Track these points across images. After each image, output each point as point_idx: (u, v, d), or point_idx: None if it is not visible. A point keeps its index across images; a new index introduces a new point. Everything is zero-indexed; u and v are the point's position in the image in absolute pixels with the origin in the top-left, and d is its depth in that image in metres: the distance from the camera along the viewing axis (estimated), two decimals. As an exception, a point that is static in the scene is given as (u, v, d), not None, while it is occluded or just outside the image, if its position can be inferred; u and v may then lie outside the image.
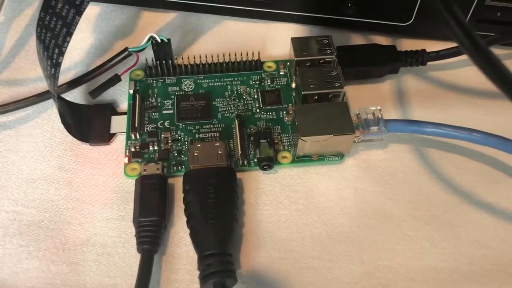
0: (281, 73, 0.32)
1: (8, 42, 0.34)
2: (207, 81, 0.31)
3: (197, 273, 0.23)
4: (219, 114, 0.30)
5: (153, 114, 0.29)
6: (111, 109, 0.30)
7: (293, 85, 0.31)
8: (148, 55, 0.31)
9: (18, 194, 0.27)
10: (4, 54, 0.33)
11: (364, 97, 0.31)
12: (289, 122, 0.29)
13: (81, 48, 0.33)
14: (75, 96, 0.31)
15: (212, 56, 0.31)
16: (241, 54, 0.31)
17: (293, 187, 0.27)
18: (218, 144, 0.27)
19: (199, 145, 0.27)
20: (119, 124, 0.29)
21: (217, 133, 0.29)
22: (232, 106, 0.30)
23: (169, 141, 0.28)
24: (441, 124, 0.27)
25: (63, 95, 0.30)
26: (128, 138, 0.28)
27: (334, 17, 0.33)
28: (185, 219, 0.25)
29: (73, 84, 0.30)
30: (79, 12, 0.24)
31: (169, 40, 0.30)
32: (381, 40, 0.34)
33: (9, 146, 0.29)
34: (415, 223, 0.26)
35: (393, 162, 0.28)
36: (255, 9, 0.34)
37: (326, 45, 0.30)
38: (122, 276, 0.24)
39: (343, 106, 0.27)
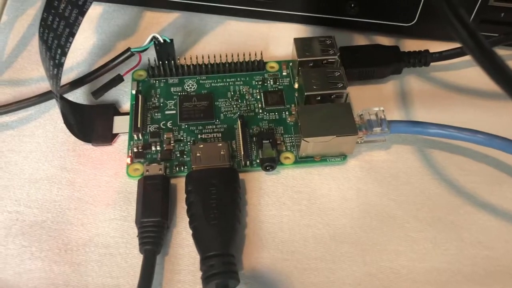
0: (284, 73, 0.31)
1: (10, 42, 0.34)
2: (210, 81, 0.31)
3: (200, 274, 0.23)
4: (221, 114, 0.30)
5: (156, 114, 0.29)
6: (113, 109, 0.30)
7: (296, 85, 0.31)
8: (151, 55, 0.31)
9: (20, 195, 0.27)
10: (7, 54, 0.33)
11: (367, 98, 0.31)
12: (292, 123, 0.29)
13: (83, 48, 0.33)
14: (78, 96, 0.31)
15: (214, 57, 0.31)
16: (244, 55, 0.31)
17: (296, 188, 0.27)
18: (220, 144, 0.27)
19: (202, 146, 0.27)
20: (121, 124, 0.29)
21: (220, 134, 0.29)
22: (234, 106, 0.30)
23: (172, 142, 0.28)
24: (444, 125, 0.27)
25: (66, 95, 0.30)
26: (131, 138, 0.28)
27: (337, 17, 0.33)
28: (187, 219, 0.25)
29: (75, 84, 0.30)
30: (82, 13, 0.24)
31: (171, 40, 0.30)
32: (384, 40, 0.34)
33: (11, 146, 0.29)
34: (418, 224, 0.26)
35: (396, 163, 0.28)
36: (258, 9, 0.34)
37: (329, 46, 0.30)
38: (125, 276, 0.24)
39: (346, 106, 0.27)
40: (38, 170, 0.28)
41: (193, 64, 0.31)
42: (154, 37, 0.30)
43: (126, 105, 0.30)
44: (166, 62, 0.30)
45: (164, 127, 0.29)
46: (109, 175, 0.28)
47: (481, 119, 0.30)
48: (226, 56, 0.31)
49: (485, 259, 0.25)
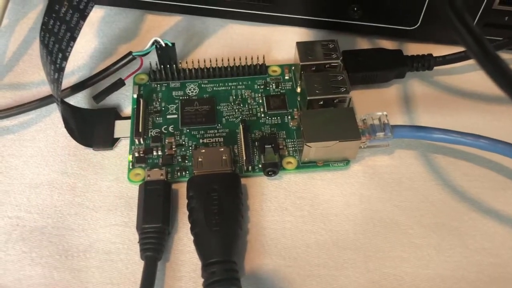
0: (286, 77, 0.31)
1: (11, 45, 0.33)
2: (212, 85, 0.31)
3: (201, 281, 0.23)
4: (223, 118, 0.29)
5: (157, 118, 0.29)
6: (114, 113, 0.30)
7: (298, 89, 0.31)
8: (152, 59, 0.30)
9: (21, 200, 0.27)
10: (8, 57, 0.33)
11: (370, 102, 0.31)
12: (294, 127, 0.29)
13: (84, 52, 0.33)
14: (79, 100, 0.30)
15: (216, 60, 0.31)
16: (246, 58, 0.31)
17: (298, 193, 0.27)
18: (222, 149, 0.27)
19: (203, 151, 0.27)
20: (123, 128, 0.29)
21: (222, 138, 0.29)
22: (236, 110, 0.30)
23: (173, 146, 0.28)
24: (448, 130, 0.27)
25: (67, 99, 0.30)
26: (132, 143, 0.28)
27: (340, 21, 0.33)
28: (189, 225, 0.25)
29: (76, 88, 0.30)
30: (83, 17, 0.24)
31: (173, 44, 0.30)
32: (387, 44, 0.33)
33: (12, 151, 0.28)
34: (422, 231, 0.26)
35: (400, 168, 0.28)
36: (260, 13, 0.33)
37: (331, 50, 0.29)
38: (125, 283, 0.24)
39: (349, 111, 0.27)
40: (39, 175, 0.27)
41: (194, 68, 0.31)
42: (155, 41, 0.30)
43: (127, 109, 0.30)
44: (168, 66, 0.30)
45: (165, 131, 0.29)
46: (110, 180, 0.27)
47: (484, 123, 0.30)
48: (228, 60, 0.31)
49: (489, 266, 0.25)
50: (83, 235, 0.26)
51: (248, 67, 0.31)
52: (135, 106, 0.29)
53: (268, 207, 0.27)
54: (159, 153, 0.28)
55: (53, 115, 0.30)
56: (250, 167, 0.27)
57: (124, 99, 0.31)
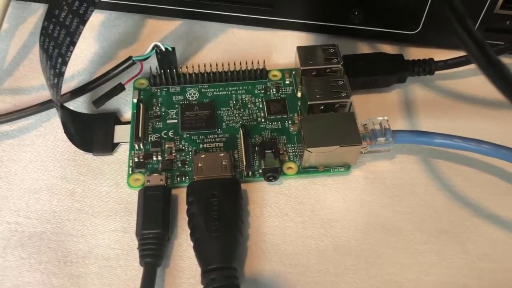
0: (287, 82, 0.31)
1: (11, 49, 0.33)
2: (212, 90, 0.31)
3: (201, 287, 0.23)
4: (223, 123, 0.29)
5: (157, 123, 0.29)
6: (114, 118, 0.29)
7: (299, 94, 0.30)
8: (153, 63, 0.30)
9: (20, 205, 0.26)
10: (8, 62, 0.33)
11: (371, 107, 0.30)
12: (295, 132, 0.29)
13: (84, 56, 0.33)
14: (78, 105, 0.30)
15: (216, 65, 0.31)
16: (246, 63, 0.31)
17: (299, 198, 0.27)
18: (222, 154, 0.27)
19: (203, 156, 0.27)
20: (122, 133, 0.29)
21: (222, 143, 0.28)
22: (237, 115, 0.30)
23: (173, 151, 0.28)
24: (449, 135, 0.27)
25: (66, 104, 0.30)
26: (132, 148, 0.28)
27: (341, 25, 0.33)
28: (189, 231, 0.25)
29: (76, 93, 0.30)
30: (83, 22, 0.24)
31: (173, 48, 0.30)
32: (388, 48, 0.33)
33: (11, 156, 0.28)
34: (423, 237, 0.26)
35: (401, 173, 0.28)
36: (261, 17, 0.33)
37: (332, 54, 0.29)
38: (125, 289, 0.24)
39: (350, 116, 0.27)
40: (38, 180, 0.27)
41: (195, 73, 0.31)
42: (155, 46, 0.30)
43: (127, 114, 0.30)
44: (168, 70, 0.30)
45: (165, 136, 0.29)
46: (110, 185, 0.27)
47: (486, 128, 0.29)
48: (228, 64, 0.31)
49: (492, 272, 0.25)
50: (82, 241, 0.25)
51: (248, 72, 0.31)
52: (135, 111, 0.29)
53: (269, 212, 0.26)
54: (159, 158, 0.28)
55: (52, 120, 0.30)
56: (250, 172, 0.27)
57: (124, 103, 0.30)
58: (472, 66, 0.31)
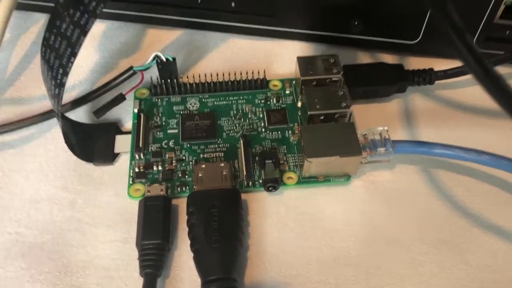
0: (287, 92, 0.31)
1: (13, 59, 0.33)
2: (212, 100, 0.31)
3: (201, 298, 0.23)
4: (224, 133, 0.29)
5: (158, 133, 0.29)
6: (115, 128, 0.30)
7: (299, 104, 0.30)
8: (153, 73, 0.30)
9: (21, 215, 0.27)
10: (9, 71, 0.33)
11: (371, 117, 0.30)
12: (295, 142, 0.29)
13: (85, 66, 0.33)
14: (79, 115, 0.30)
15: (217, 75, 0.31)
16: (247, 73, 0.31)
17: (299, 209, 0.27)
18: (222, 164, 0.27)
19: (204, 166, 0.27)
20: (123, 143, 0.29)
21: (222, 153, 0.29)
22: (237, 125, 0.30)
23: (174, 161, 0.28)
24: (450, 145, 0.27)
25: (67, 114, 0.30)
26: (132, 158, 0.28)
27: (341, 35, 0.33)
28: (189, 241, 0.25)
29: (77, 103, 0.30)
30: (84, 33, 0.24)
31: (174, 58, 0.30)
32: (388, 58, 0.33)
33: (12, 166, 0.28)
34: (423, 247, 0.26)
35: (401, 183, 0.28)
36: (261, 27, 0.34)
37: (332, 64, 0.29)
38: (125, 300, 0.24)
39: (350, 126, 0.27)
40: (39, 191, 0.27)
41: (195, 83, 0.31)
42: (156, 56, 0.30)
43: (128, 124, 0.30)
44: (169, 80, 0.30)
45: (166, 146, 0.29)
46: (110, 196, 0.27)
47: (487, 138, 0.29)
48: (229, 74, 0.31)
49: (492, 283, 0.25)
50: (83, 251, 0.25)
51: (248, 82, 0.31)
52: (136, 121, 0.29)
53: (269, 222, 0.26)
54: (159, 168, 0.28)
55: (54, 130, 0.30)
56: (250, 182, 0.27)
57: (125, 113, 0.31)
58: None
